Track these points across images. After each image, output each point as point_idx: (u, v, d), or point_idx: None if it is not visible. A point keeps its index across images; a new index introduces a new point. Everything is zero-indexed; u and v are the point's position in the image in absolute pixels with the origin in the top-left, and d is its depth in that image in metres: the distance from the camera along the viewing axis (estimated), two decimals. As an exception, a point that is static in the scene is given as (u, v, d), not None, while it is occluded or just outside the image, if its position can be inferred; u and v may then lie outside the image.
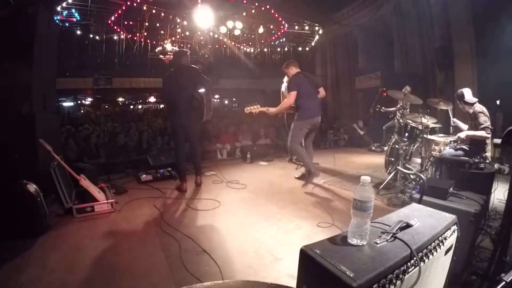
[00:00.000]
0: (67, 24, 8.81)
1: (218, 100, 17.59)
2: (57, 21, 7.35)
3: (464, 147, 3.14)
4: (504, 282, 0.78)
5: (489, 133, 2.96)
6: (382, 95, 5.20)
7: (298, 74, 3.71)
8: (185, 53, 3.67)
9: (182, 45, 10.84)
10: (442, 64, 6.46)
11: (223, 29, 9.07)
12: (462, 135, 3.10)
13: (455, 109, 3.71)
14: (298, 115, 3.64)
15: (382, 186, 3.41)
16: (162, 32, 9.96)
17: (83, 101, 17.80)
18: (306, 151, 3.76)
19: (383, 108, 5.62)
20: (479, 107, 3.06)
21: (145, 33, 9.71)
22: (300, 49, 11.96)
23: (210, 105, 3.58)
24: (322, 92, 3.84)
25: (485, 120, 2.96)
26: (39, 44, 3.08)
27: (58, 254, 2.06)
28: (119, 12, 8.35)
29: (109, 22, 8.84)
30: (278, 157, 5.68)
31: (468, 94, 3.13)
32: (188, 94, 3.40)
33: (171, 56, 11.33)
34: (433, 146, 3.47)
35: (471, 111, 3.12)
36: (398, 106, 5.36)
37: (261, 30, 9.68)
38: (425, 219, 1.07)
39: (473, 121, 3.11)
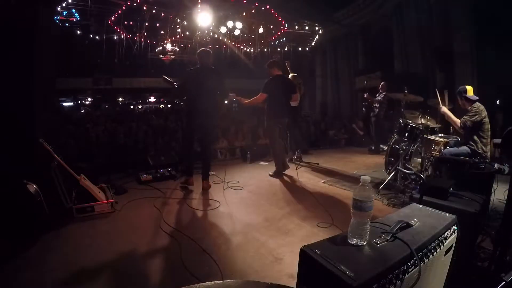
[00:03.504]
0: (67, 24, 8.80)
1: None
2: (57, 21, 7.36)
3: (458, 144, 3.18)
4: (504, 282, 0.78)
5: (462, 127, 3.00)
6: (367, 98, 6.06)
7: (276, 77, 4.10)
8: (210, 54, 3.64)
9: (182, 45, 10.85)
10: (442, 64, 6.46)
11: (223, 29, 9.07)
12: (443, 109, 3.17)
13: (455, 109, 3.70)
14: (266, 115, 4.15)
15: (382, 186, 3.41)
16: (162, 32, 9.95)
17: (83, 101, 17.82)
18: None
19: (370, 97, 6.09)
20: (477, 104, 3.07)
21: (145, 33, 9.71)
22: (300, 49, 11.95)
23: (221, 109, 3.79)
24: (294, 98, 4.35)
25: (471, 115, 2.98)
26: (39, 44, 3.08)
27: (58, 254, 2.06)
28: (119, 12, 8.33)
29: (109, 22, 8.83)
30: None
31: (470, 91, 3.15)
32: (212, 95, 3.46)
33: (171, 56, 11.35)
34: (433, 146, 3.47)
35: (469, 108, 3.13)
36: (379, 98, 5.96)
37: (261, 30, 9.67)
38: (425, 219, 1.07)
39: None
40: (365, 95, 6.36)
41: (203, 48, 3.69)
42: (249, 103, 4.21)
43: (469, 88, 3.16)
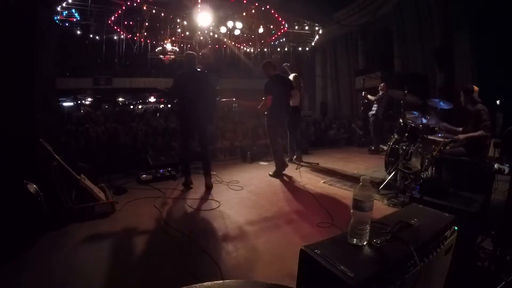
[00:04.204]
0: (67, 24, 8.81)
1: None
2: (57, 21, 7.35)
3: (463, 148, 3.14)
4: (504, 282, 0.78)
5: (488, 132, 2.97)
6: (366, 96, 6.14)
7: (274, 77, 4.13)
8: (195, 57, 3.79)
9: (182, 45, 10.85)
10: (442, 64, 6.46)
11: (223, 29, 9.07)
12: (462, 137, 3.11)
13: (453, 109, 3.70)
14: (267, 115, 4.16)
15: (382, 186, 3.41)
16: (162, 32, 9.97)
17: (83, 101, 17.81)
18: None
19: (368, 95, 6.15)
20: (480, 106, 3.08)
21: (145, 33, 9.71)
22: (300, 49, 11.95)
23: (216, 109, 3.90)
24: (293, 94, 4.34)
25: (485, 118, 2.98)
26: (39, 44, 3.08)
27: (58, 254, 2.06)
28: (119, 12, 8.34)
29: (109, 22, 8.84)
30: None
31: (477, 92, 3.16)
32: (203, 96, 3.54)
33: (171, 56, 11.35)
34: (433, 146, 3.46)
35: (470, 108, 3.14)
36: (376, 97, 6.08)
37: (261, 30, 9.68)
38: (425, 219, 1.07)
39: (473, 120, 3.11)
40: (363, 93, 6.42)
41: (187, 52, 3.91)
42: (261, 110, 4.25)
43: (476, 89, 3.17)
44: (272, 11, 9.06)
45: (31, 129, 2.91)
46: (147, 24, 9.13)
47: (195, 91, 3.46)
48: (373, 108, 6.15)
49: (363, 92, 6.48)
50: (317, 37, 11.16)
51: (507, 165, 3.80)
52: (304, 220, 2.67)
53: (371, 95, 6.32)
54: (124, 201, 3.15)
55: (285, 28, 10.23)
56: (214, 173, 4.33)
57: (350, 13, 9.91)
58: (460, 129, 3.33)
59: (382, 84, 6.21)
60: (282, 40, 11.61)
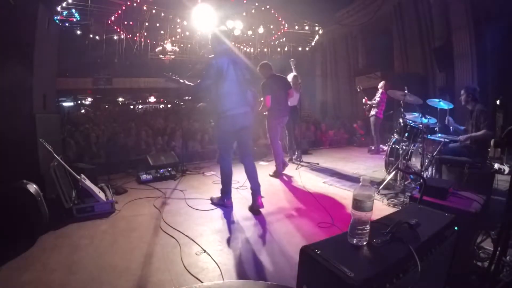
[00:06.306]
0: (67, 24, 8.81)
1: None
2: (57, 21, 7.35)
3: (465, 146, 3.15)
4: (504, 282, 0.78)
5: (490, 132, 2.97)
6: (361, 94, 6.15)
7: (271, 77, 4.13)
8: (230, 36, 2.95)
9: (182, 45, 10.86)
10: (442, 64, 6.46)
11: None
12: (462, 138, 3.12)
13: (454, 109, 3.71)
14: (268, 115, 4.15)
15: (382, 186, 3.41)
16: (162, 32, 9.97)
17: (83, 101, 17.83)
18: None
19: (368, 102, 6.15)
20: (480, 106, 3.08)
21: (145, 33, 9.72)
22: (300, 49, 11.96)
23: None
24: (291, 93, 4.33)
25: (487, 117, 2.99)
26: (39, 44, 3.08)
27: (58, 254, 2.06)
28: (119, 12, 8.35)
29: (109, 22, 8.85)
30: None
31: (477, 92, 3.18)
32: (245, 88, 2.89)
33: (171, 56, 11.35)
34: (433, 146, 3.47)
35: (470, 108, 3.15)
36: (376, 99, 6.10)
37: (261, 30, 9.69)
38: (425, 219, 1.07)
39: (474, 120, 3.11)
40: (363, 100, 6.39)
41: (220, 28, 2.94)
42: (262, 111, 4.21)
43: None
44: (272, 11, 9.07)
45: (31, 129, 2.91)
46: (147, 24, 9.14)
47: (233, 83, 2.71)
48: (373, 109, 6.14)
49: (364, 99, 6.42)
50: (317, 37, 11.16)
51: (507, 165, 3.79)
52: (304, 220, 2.67)
53: (372, 96, 6.31)
54: (124, 201, 3.15)
55: (285, 28, 10.24)
56: (214, 172, 4.34)
57: (350, 13, 9.91)
58: (462, 128, 3.34)
59: (381, 83, 6.21)
60: (282, 40, 11.62)
